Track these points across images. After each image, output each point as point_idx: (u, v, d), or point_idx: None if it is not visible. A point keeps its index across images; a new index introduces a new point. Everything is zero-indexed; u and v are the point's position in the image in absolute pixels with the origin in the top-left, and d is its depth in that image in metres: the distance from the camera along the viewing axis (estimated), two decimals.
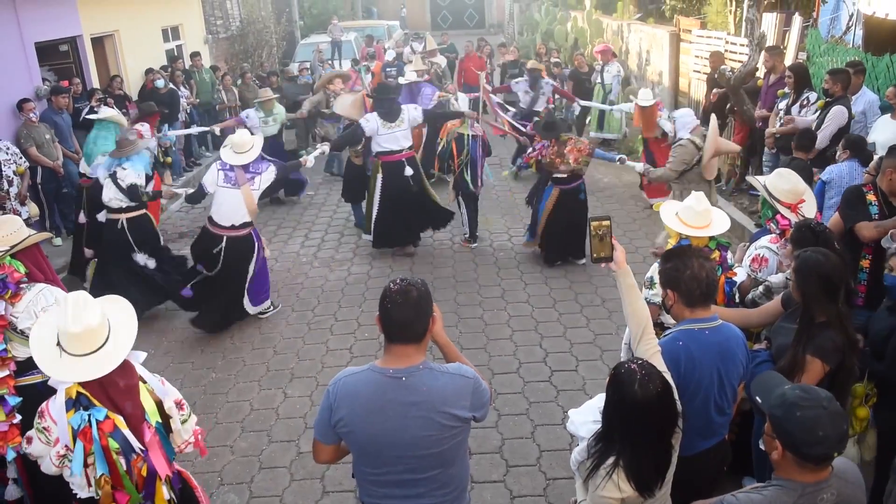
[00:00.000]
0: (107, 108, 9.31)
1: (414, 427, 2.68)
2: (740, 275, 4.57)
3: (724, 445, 3.50)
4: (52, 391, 3.22)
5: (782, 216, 4.55)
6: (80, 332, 3.07)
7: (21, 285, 4.02)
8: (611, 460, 2.70)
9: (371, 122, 8.33)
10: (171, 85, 12.43)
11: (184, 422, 3.43)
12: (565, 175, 7.94)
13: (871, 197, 4.88)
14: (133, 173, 7.02)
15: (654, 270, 4.38)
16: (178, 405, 3.41)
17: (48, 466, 3.17)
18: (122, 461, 3.14)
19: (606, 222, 3.30)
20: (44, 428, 3.15)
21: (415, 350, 2.72)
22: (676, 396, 2.85)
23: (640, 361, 2.78)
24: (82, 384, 3.12)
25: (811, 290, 3.50)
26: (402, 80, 11.20)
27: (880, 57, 8.10)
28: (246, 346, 6.90)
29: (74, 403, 3.11)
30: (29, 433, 3.25)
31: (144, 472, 3.21)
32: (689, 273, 3.22)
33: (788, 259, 4.23)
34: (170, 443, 3.36)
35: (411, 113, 8.45)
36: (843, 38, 9.82)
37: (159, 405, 3.32)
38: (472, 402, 2.75)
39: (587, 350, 6.49)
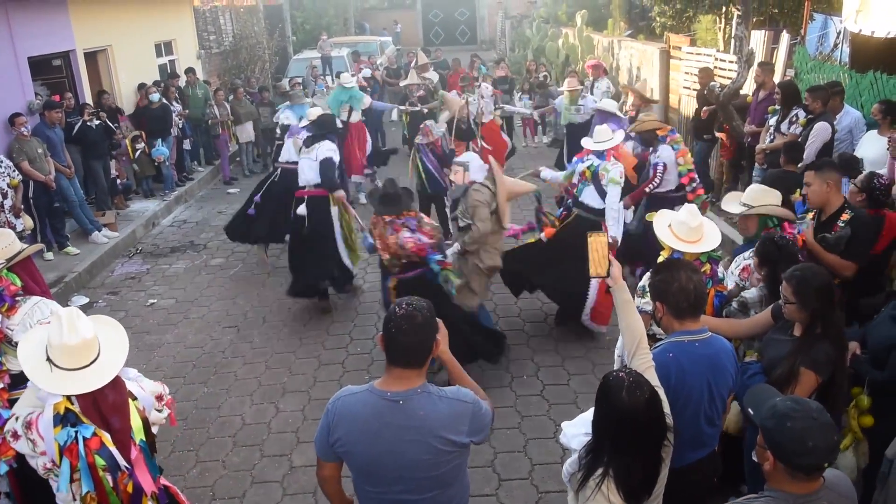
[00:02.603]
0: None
1: (411, 451, 2.67)
2: (728, 284, 4.63)
3: (715, 457, 3.52)
4: None
5: (789, 224, 4.60)
6: (77, 344, 3.08)
7: (17, 298, 4.04)
8: (600, 471, 2.71)
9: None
10: (164, 100, 12.45)
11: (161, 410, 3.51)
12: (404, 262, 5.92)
13: (809, 215, 5.03)
14: None
15: (647, 279, 4.43)
16: (159, 398, 3.47)
17: (35, 465, 3.18)
18: (109, 478, 3.14)
19: (603, 238, 3.33)
20: (30, 439, 3.15)
21: (415, 374, 2.72)
22: (668, 410, 2.87)
23: (628, 370, 2.80)
24: (74, 397, 3.12)
25: (815, 304, 3.53)
26: (583, 114, 11.08)
27: (864, 74, 8.19)
28: (237, 361, 6.90)
29: (62, 419, 3.10)
30: (16, 429, 3.20)
31: (130, 489, 3.21)
32: (676, 285, 3.26)
33: (757, 273, 4.30)
34: (153, 460, 3.38)
35: (324, 149, 7.58)
36: (830, 56, 9.95)
37: (145, 423, 3.34)
38: (470, 427, 2.74)
39: (579, 364, 6.51)
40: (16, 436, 3.21)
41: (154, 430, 3.50)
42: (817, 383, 3.51)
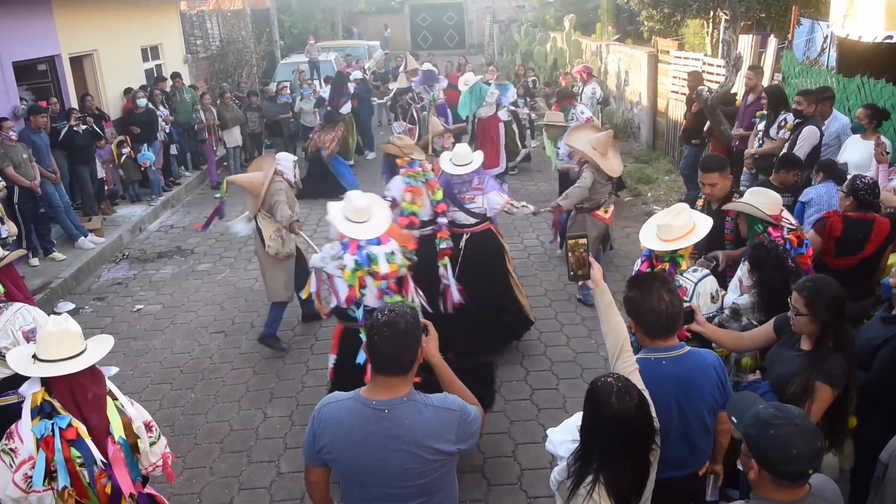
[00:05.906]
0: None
1: (396, 460, 2.65)
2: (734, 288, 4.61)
3: (694, 480, 3.39)
4: None
5: (774, 228, 4.61)
6: (58, 332, 3.12)
7: None
8: (590, 477, 2.70)
9: None
10: (150, 104, 12.39)
11: (152, 444, 3.43)
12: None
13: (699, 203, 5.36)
14: None
15: None
16: (147, 426, 3.41)
17: (13, 492, 3.11)
18: (85, 473, 3.13)
19: (583, 240, 3.33)
20: (10, 449, 3.12)
21: (401, 382, 2.69)
22: (654, 413, 2.86)
23: (616, 375, 2.79)
24: (52, 389, 3.12)
25: (827, 316, 3.45)
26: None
27: (851, 78, 8.23)
28: (225, 367, 6.86)
29: (39, 411, 3.11)
30: None
31: (109, 490, 3.18)
32: (647, 306, 3.16)
33: (749, 278, 4.28)
34: (135, 462, 3.35)
35: None
36: (817, 60, 10.00)
37: (127, 424, 3.32)
38: (457, 435, 2.71)
39: (568, 368, 6.50)
40: None
41: (148, 463, 3.44)
42: (833, 397, 3.41)
